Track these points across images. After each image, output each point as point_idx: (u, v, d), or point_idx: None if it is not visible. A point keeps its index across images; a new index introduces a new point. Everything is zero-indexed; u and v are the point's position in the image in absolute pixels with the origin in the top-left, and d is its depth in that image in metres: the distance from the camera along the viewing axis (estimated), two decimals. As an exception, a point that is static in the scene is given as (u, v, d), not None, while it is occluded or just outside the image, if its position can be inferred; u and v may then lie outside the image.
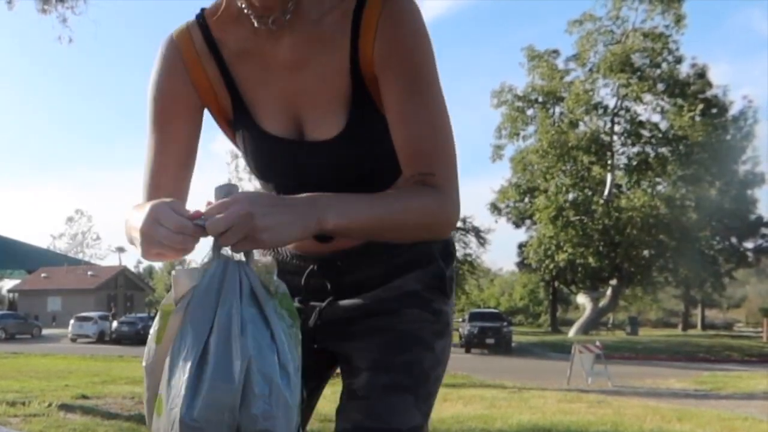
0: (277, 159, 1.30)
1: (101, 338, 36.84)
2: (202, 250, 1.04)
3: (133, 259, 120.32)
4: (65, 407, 9.72)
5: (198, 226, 1.01)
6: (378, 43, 1.19)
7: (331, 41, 1.22)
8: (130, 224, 1.10)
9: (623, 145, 44.41)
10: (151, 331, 1.04)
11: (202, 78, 1.29)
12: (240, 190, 1.04)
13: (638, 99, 42.19)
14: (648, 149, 43.70)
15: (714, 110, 41.88)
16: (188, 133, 1.33)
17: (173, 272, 1.02)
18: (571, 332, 43.92)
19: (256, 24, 1.22)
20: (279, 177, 1.34)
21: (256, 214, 0.99)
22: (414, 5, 1.22)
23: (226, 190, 1.03)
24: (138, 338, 33.48)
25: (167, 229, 0.99)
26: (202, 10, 1.32)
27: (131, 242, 1.10)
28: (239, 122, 1.31)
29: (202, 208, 1.04)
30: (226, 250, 1.04)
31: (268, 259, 1.13)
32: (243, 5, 1.22)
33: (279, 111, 1.27)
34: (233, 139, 1.37)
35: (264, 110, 1.28)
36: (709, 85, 42.42)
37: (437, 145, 1.19)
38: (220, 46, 1.28)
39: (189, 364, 0.95)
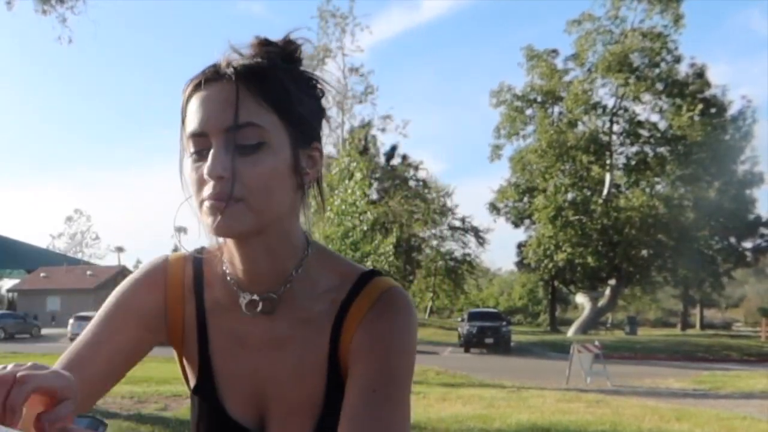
0: None
1: (100, 338, 36.76)
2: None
3: (132, 259, 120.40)
4: (65, 407, 9.72)
5: None
6: (358, 335, 1.09)
7: (315, 328, 1.12)
8: None
9: (622, 144, 44.52)
10: None
11: (178, 322, 1.18)
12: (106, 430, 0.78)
13: (637, 99, 42.27)
14: (647, 149, 43.81)
15: (713, 110, 41.96)
16: (136, 346, 1.16)
17: None
18: (570, 332, 43.94)
19: (243, 308, 1.12)
20: None
21: None
22: (408, 307, 1.12)
23: (89, 426, 0.78)
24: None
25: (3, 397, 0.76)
26: (202, 249, 1.21)
27: None
28: (202, 390, 1.17)
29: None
30: None
31: None
32: (230, 279, 1.14)
33: (244, 394, 1.15)
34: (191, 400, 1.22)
35: (229, 389, 1.15)
36: (708, 84, 42.49)
37: None
38: (204, 294, 1.17)
39: None
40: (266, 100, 1.01)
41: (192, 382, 1.19)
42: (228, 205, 0.98)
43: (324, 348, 1.11)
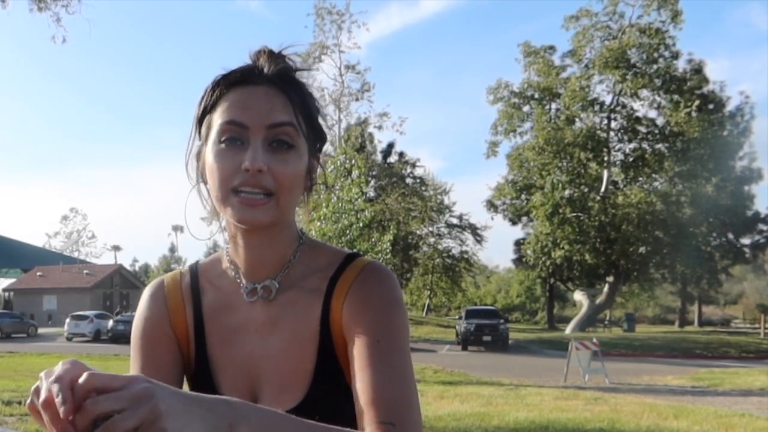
0: None
1: (97, 337, 36.80)
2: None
3: (128, 258, 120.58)
4: (59, 407, 9.69)
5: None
6: (348, 301, 1.17)
7: (307, 303, 1.21)
8: None
9: (620, 141, 44.48)
10: None
11: (182, 325, 1.26)
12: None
13: (635, 95, 42.24)
14: (644, 145, 43.75)
15: (711, 106, 41.94)
16: (171, 364, 1.24)
17: None
18: (568, 329, 43.99)
19: (245, 296, 1.22)
20: None
21: (164, 414, 0.76)
22: (390, 274, 1.20)
23: None
24: (134, 337, 33.52)
25: (48, 390, 0.77)
26: (198, 261, 1.33)
27: None
28: (197, 380, 1.25)
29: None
30: None
31: None
32: (233, 273, 1.24)
33: (239, 376, 1.22)
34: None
35: (224, 374, 1.23)
36: (706, 80, 42.47)
37: (401, 395, 1.09)
38: (201, 296, 1.27)
39: None
40: (299, 108, 1.13)
41: (190, 375, 1.27)
42: (263, 201, 1.10)
43: (315, 319, 1.19)
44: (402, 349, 1.14)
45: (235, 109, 1.10)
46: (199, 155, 1.18)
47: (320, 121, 1.23)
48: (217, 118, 1.12)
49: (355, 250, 1.26)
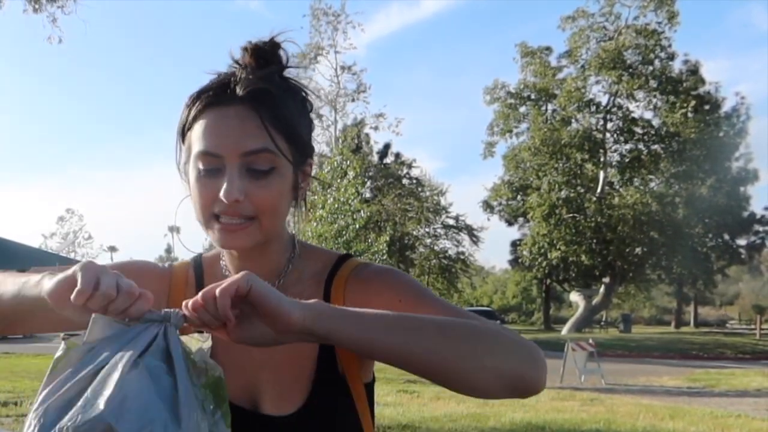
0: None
1: (94, 338, 36.81)
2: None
3: (124, 258, 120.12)
4: (55, 408, 9.64)
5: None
6: (347, 299, 1.19)
7: None
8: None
9: (616, 142, 44.44)
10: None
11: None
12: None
13: (630, 96, 42.24)
14: (641, 146, 43.73)
15: (707, 107, 41.96)
16: None
17: (93, 316, 0.90)
18: (564, 330, 43.96)
19: None
20: None
21: (258, 281, 0.94)
22: (385, 266, 1.24)
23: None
24: (130, 338, 33.50)
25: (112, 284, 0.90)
26: (201, 253, 1.35)
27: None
28: None
29: None
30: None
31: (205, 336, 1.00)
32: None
33: (240, 381, 1.21)
34: None
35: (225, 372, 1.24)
36: (702, 81, 42.50)
37: (462, 314, 1.15)
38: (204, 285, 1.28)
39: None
40: (276, 128, 1.10)
41: None
42: (243, 225, 1.11)
43: None
44: (428, 292, 1.20)
45: (209, 136, 1.09)
46: (186, 166, 1.17)
47: (314, 121, 1.24)
48: (195, 142, 1.11)
49: (349, 251, 1.27)
